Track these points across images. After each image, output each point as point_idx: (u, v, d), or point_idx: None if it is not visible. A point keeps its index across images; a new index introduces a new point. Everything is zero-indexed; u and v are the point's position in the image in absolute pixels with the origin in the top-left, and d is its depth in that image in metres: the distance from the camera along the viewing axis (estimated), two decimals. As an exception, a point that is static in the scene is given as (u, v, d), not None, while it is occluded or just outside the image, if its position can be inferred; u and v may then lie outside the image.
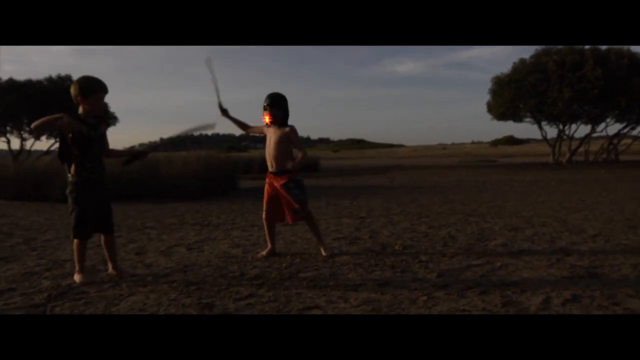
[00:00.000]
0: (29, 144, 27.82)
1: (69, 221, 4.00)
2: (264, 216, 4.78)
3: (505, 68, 78.17)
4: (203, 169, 11.69)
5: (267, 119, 4.64)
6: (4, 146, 27.53)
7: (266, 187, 4.75)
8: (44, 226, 6.96)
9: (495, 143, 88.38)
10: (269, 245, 4.80)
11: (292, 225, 5.54)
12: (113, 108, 30.93)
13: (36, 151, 27.90)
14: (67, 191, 3.91)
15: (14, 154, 26.60)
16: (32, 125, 3.69)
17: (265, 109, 4.61)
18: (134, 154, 4.34)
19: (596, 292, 3.46)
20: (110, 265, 4.16)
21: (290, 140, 4.62)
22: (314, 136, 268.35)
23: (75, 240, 3.93)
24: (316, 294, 3.50)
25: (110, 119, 29.78)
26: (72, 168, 3.85)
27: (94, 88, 3.85)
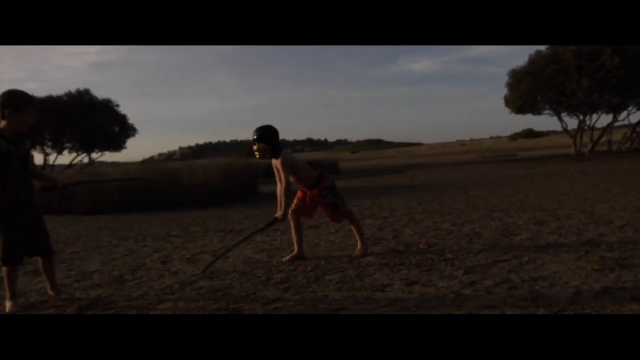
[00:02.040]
0: (52, 158, 28.34)
1: None
2: (291, 210, 4.73)
3: (522, 61, 77.34)
4: (224, 176, 11.77)
5: (257, 155, 4.71)
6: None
7: (299, 193, 4.84)
8: (70, 239, 7.07)
9: (515, 137, 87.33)
10: (296, 249, 4.77)
11: (308, 227, 5.54)
12: (132, 120, 31.37)
13: (59, 165, 28.37)
14: None
15: (42, 168, 27.11)
16: None
17: (253, 145, 4.65)
18: (54, 185, 4.12)
19: (628, 283, 3.40)
20: (49, 287, 3.94)
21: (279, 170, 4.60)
22: (332, 138, 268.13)
23: (4, 267, 3.58)
24: (343, 296, 3.50)
25: (130, 130, 30.20)
26: None
27: (23, 103, 3.57)
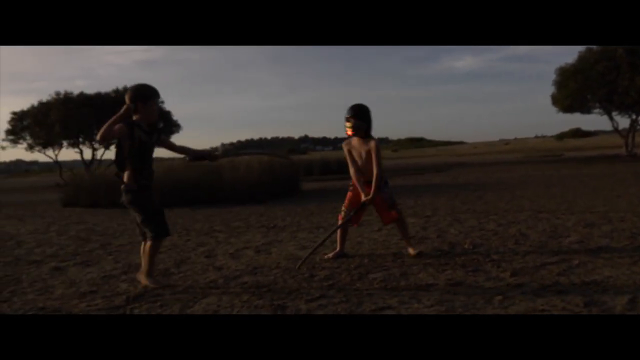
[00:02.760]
0: (99, 153, 29.19)
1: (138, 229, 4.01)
2: (341, 215, 4.74)
3: (569, 58, 75.10)
4: (266, 173, 11.86)
5: (349, 131, 4.57)
6: (78, 156, 28.97)
7: (349, 194, 4.73)
8: (117, 232, 7.26)
9: (561, 136, 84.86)
10: (338, 247, 4.76)
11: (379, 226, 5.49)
12: (176, 116, 31.94)
13: (106, 160, 29.18)
14: (127, 200, 3.85)
15: (86, 163, 27.96)
16: (98, 137, 3.73)
17: (348, 120, 4.53)
18: (205, 155, 4.40)
19: (688, 290, 3.25)
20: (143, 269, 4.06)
21: (372, 152, 4.52)
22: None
23: (156, 241, 3.88)
24: (388, 295, 3.46)
25: (174, 126, 30.79)
26: (128, 175, 3.82)
27: (150, 94, 3.87)
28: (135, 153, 3.78)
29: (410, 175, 19.15)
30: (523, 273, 3.85)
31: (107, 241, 6.42)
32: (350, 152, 4.61)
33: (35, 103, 28.68)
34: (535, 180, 13.63)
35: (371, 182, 4.48)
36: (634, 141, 27.07)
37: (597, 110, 27.36)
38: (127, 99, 3.80)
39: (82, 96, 27.84)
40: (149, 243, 3.87)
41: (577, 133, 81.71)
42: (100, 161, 28.47)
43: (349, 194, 4.73)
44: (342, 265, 4.41)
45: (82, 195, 11.55)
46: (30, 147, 28.98)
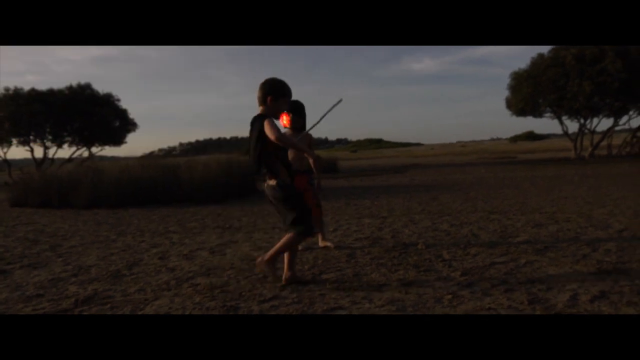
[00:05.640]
0: (51, 152, 28.30)
1: (294, 225, 3.75)
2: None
3: (524, 63, 77.36)
4: (224, 173, 11.76)
5: (286, 123, 4.80)
6: (28, 155, 28.00)
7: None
8: (68, 233, 7.06)
9: (515, 139, 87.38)
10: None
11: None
12: (133, 114, 31.31)
13: (59, 159, 28.32)
14: (280, 196, 3.73)
15: (37, 162, 27.06)
16: (284, 143, 3.54)
17: (287, 114, 4.73)
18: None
19: (625, 287, 3.41)
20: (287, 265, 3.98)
21: (309, 144, 4.79)
22: (332, 137, 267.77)
23: (300, 237, 3.81)
24: (340, 295, 3.49)
25: (130, 125, 30.17)
26: (281, 171, 3.72)
27: (284, 91, 3.79)
28: (283, 149, 3.74)
29: (368, 176, 19.32)
30: (473, 272, 3.95)
31: (57, 242, 6.24)
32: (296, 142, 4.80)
33: (-19, 99, 27.59)
34: (489, 181, 13.97)
35: (304, 171, 4.88)
36: (582, 144, 28.07)
37: (548, 114, 28.24)
38: (262, 91, 3.73)
39: (33, 92, 26.91)
40: (290, 234, 3.77)
41: (530, 136, 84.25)
42: (53, 160, 27.61)
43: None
44: (295, 266, 4.42)
45: (31, 194, 11.18)
46: (-24, 145, 27.85)
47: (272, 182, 3.73)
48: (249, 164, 3.80)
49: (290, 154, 4.70)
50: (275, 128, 3.49)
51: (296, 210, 3.73)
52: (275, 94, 3.73)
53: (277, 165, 3.71)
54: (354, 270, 4.19)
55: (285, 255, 3.86)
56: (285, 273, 3.84)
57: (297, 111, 4.79)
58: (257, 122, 3.67)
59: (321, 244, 5.22)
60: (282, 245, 3.80)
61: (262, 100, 3.73)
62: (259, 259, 3.95)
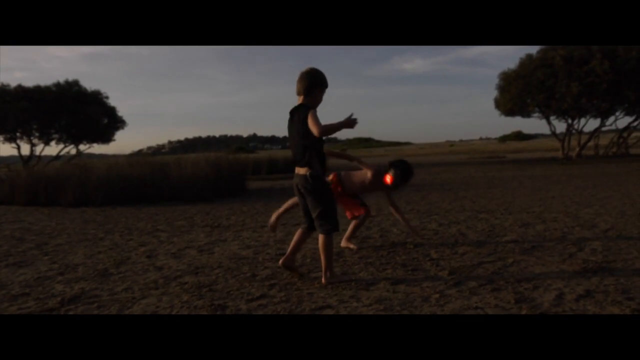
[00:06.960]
0: (38, 149, 28.05)
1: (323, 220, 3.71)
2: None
3: (513, 64, 77.85)
4: (212, 171, 11.73)
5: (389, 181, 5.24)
6: (15, 152, 27.74)
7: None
8: (55, 231, 7.01)
9: (504, 139, 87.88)
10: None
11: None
12: (121, 112, 31.11)
13: (46, 156, 28.08)
14: (311, 187, 3.67)
15: (24, 159, 26.81)
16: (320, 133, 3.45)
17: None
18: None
19: (610, 287, 3.44)
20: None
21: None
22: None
23: (329, 237, 3.74)
24: (328, 294, 3.50)
25: (119, 122, 30.00)
26: (315, 162, 3.66)
27: (326, 82, 3.75)
28: (321, 141, 3.65)
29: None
30: (460, 272, 3.98)
31: (43, 241, 6.19)
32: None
33: (-33, 95, 27.26)
34: (478, 181, 14.04)
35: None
36: (570, 144, 28.30)
37: (536, 115, 28.44)
38: (307, 81, 3.67)
39: (20, 89, 26.63)
40: (321, 240, 3.73)
41: (518, 136, 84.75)
42: (40, 157, 27.37)
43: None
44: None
45: (18, 192, 11.07)
46: (-39, 142, 27.52)
47: (305, 172, 3.69)
48: (292, 155, 3.73)
49: (358, 178, 5.04)
50: (319, 121, 3.47)
51: (323, 204, 3.69)
52: (322, 85, 3.71)
53: (312, 156, 3.66)
54: (343, 269, 4.20)
55: (323, 259, 3.78)
56: (325, 281, 3.78)
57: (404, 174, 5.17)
58: (299, 113, 3.64)
59: (344, 243, 5.11)
60: (324, 254, 3.74)
61: (308, 91, 3.67)
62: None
